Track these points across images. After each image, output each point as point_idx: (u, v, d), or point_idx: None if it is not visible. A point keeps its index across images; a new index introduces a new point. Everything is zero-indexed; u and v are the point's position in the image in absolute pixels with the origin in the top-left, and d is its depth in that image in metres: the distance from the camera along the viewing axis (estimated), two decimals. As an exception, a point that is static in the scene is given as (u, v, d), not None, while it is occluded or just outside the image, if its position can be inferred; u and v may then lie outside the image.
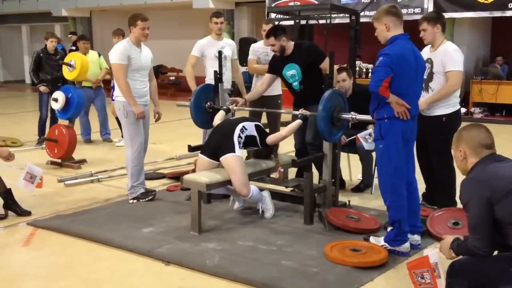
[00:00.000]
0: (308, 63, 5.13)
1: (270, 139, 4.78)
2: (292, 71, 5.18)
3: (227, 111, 5.22)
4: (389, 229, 4.04)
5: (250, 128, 4.72)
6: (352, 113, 4.46)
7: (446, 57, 4.61)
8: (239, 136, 4.60)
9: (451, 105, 4.71)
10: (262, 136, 4.78)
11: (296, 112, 4.84)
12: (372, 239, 4.12)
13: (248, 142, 4.68)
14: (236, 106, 5.21)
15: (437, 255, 2.99)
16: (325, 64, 5.16)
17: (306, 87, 5.17)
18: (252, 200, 4.75)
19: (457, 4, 11.29)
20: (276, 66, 5.31)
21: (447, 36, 10.75)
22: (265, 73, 5.49)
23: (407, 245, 3.98)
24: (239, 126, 4.65)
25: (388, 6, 3.99)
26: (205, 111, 5.35)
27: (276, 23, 5.88)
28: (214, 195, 5.12)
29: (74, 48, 13.83)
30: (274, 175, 4.91)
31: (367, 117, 4.24)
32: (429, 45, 4.77)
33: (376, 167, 5.32)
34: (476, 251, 2.72)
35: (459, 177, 4.71)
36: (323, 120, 4.34)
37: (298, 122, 4.78)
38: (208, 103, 5.33)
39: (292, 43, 5.19)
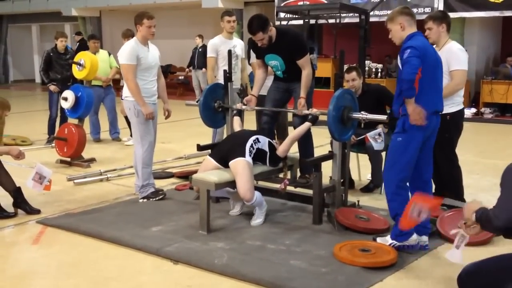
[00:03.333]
0: (290, 55, 4.89)
1: (281, 150, 4.76)
2: (274, 62, 5.00)
3: (239, 114, 5.21)
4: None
5: (263, 142, 4.69)
6: (362, 112, 4.44)
7: (451, 57, 4.64)
8: (251, 146, 4.58)
9: (455, 104, 4.74)
10: (272, 154, 4.73)
11: (307, 112, 4.80)
12: (379, 239, 4.09)
13: (257, 155, 4.63)
14: (250, 106, 5.15)
15: (459, 255, 2.99)
16: (302, 62, 4.86)
17: (290, 74, 4.99)
18: (254, 205, 4.64)
19: (467, 3, 11.22)
20: (259, 52, 5.10)
21: (458, 36, 10.77)
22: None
23: (414, 237, 3.98)
24: (253, 137, 4.64)
25: (401, 7, 4.11)
26: (215, 110, 5.35)
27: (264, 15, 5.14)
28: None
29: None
30: (279, 186, 4.76)
31: (377, 117, 4.20)
32: (434, 45, 4.75)
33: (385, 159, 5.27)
34: (495, 220, 2.63)
35: (466, 176, 4.72)
36: (334, 119, 4.32)
37: (307, 124, 4.75)
38: (218, 102, 5.33)
39: (275, 29, 4.93)
